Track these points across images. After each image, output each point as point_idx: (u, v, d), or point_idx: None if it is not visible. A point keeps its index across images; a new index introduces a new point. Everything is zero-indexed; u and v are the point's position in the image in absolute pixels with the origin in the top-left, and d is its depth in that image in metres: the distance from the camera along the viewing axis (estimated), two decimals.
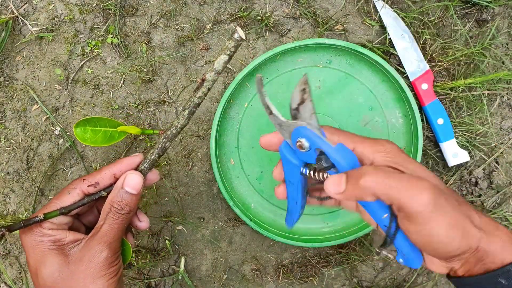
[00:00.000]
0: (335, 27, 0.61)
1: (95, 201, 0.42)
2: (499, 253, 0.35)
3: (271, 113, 0.39)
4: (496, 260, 0.35)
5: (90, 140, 0.41)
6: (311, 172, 0.39)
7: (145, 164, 0.42)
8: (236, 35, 0.36)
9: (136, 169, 0.42)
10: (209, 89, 0.39)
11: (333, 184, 0.35)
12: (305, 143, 0.37)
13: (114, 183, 0.42)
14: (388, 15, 0.60)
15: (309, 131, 0.37)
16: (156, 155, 0.42)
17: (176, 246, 0.64)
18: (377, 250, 0.40)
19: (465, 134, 0.62)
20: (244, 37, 0.36)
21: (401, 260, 0.39)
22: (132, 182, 0.40)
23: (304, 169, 0.39)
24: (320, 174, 0.38)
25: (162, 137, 0.41)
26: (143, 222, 0.45)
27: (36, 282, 0.39)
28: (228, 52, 0.37)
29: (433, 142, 0.63)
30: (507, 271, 0.34)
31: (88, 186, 0.41)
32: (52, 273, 0.38)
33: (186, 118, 0.40)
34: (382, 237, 0.39)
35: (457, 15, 0.61)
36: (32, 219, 0.39)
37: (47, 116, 0.62)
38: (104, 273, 0.39)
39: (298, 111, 0.38)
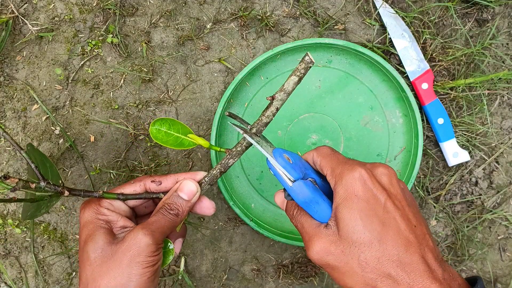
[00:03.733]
0: (335, 27, 0.61)
1: (152, 200, 0.45)
2: None
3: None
4: None
5: (161, 140, 0.44)
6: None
7: (206, 178, 0.44)
8: (307, 58, 0.38)
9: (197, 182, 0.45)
10: (277, 109, 0.40)
11: (278, 199, 0.43)
12: (272, 172, 0.40)
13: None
14: (388, 15, 0.60)
15: (271, 166, 0.39)
16: (218, 171, 0.43)
17: None
18: None
19: (465, 134, 0.62)
20: (313, 61, 0.38)
21: None
22: (186, 189, 0.43)
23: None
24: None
25: (227, 154, 0.43)
26: (210, 209, 0.47)
27: (81, 256, 0.40)
28: (299, 74, 0.39)
29: (433, 141, 0.63)
30: None
31: (151, 181, 0.44)
32: (96, 249, 0.39)
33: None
34: None
35: (457, 14, 0.61)
36: (92, 192, 0.42)
37: (47, 116, 0.62)
38: (142, 259, 0.39)
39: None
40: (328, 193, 0.39)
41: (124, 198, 0.43)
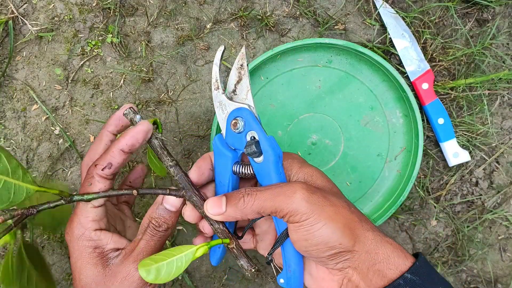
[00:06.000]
0: (336, 27, 0.61)
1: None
2: (392, 258, 0.35)
3: (217, 88, 0.39)
4: (391, 266, 0.35)
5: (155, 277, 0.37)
6: (239, 167, 0.39)
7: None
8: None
9: (149, 138, 0.40)
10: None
11: (213, 206, 0.37)
12: (240, 122, 0.38)
13: (127, 157, 0.40)
14: (388, 15, 0.60)
15: (249, 113, 0.38)
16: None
17: None
18: (267, 256, 0.40)
19: (465, 134, 0.62)
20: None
21: (281, 281, 0.40)
22: (172, 199, 0.40)
23: (236, 166, 0.39)
24: (247, 169, 0.39)
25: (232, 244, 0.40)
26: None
27: (76, 285, 0.39)
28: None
29: (433, 142, 0.63)
30: (397, 285, 0.34)
31: (102, 170, 0.39)
32: (89, 283, 0.38)
33: None
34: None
35: (458, 14, 0.61)
36: (76, 196, 0.38)
37: (47, 116, 0.62)
38: None
39: (235, 92, 0.39)
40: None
41: (107, 195, 0.39)
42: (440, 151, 0.62)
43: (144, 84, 0.62)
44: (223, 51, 0.39)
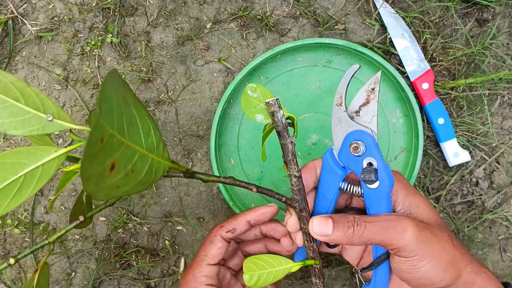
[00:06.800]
0: (336, 27, 0.61)
1: (237, 244, 0.47)
2: (487, 287, 0.37)
3: (340, 104, 0.38)
4: None
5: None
6: (348, 186, 0.39)
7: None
8: None
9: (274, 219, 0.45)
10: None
11: (320, 226, 0.37)
12: (361, 146, 0.38)
13: (249, 228, 0.45)
14: (388, 15, 0.60)
15: (371, 139, 0.37)
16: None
17: (176, 247, 0.64)
18: (359, 270, 0.42)
19: (465, 134, 0.62)
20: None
21: None
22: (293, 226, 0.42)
23: (343, 183, 0.40)
24: (356, 189, 0.39)
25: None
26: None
27: None
28: None
29: (433, 141, 0.63)
30: None
31: (226, 232, 0.44)
32: None
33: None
34: (368, 264, 0.41)
35: (458, 14, 0.61)
36: (198, 174, 0.40)
37: None
38: None
39: (358, 113, 0.38)
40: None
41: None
42: (440, 151, 0.62)
43: (144, 84, 0.62)
44: (357, 70, 0.38)
